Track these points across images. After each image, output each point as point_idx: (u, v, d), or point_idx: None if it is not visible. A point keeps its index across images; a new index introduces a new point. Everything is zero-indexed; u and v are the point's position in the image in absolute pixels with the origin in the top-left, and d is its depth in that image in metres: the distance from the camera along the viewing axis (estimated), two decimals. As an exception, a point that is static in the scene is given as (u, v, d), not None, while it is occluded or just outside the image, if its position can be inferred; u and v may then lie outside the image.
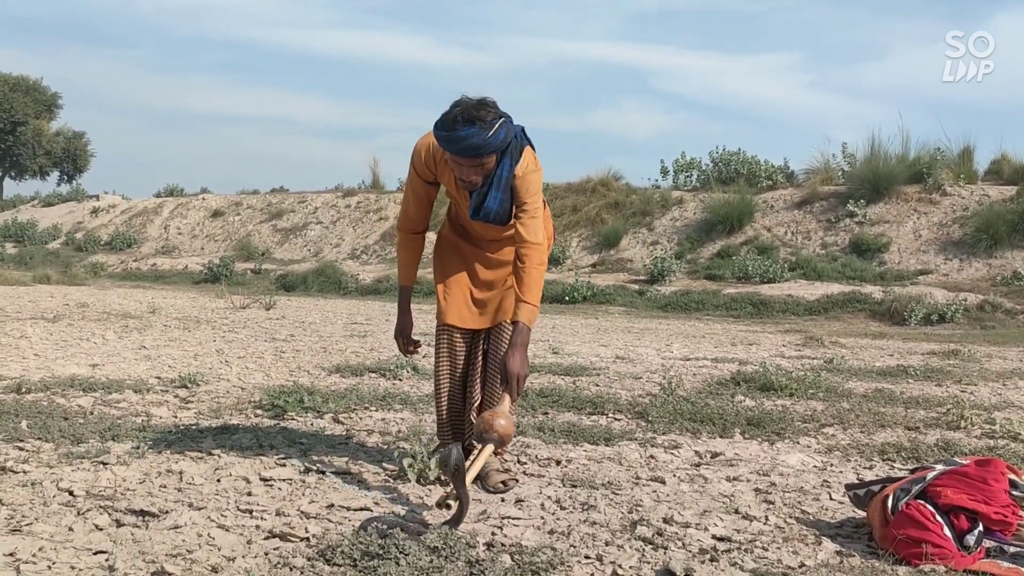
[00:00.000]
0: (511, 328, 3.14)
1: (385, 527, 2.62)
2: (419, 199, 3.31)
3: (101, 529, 2.61)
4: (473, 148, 2.93)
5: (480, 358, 3.35)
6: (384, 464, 3.47)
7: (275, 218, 22.93)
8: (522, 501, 3.04)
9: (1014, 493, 2.65)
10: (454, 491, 2.71)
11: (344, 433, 4.10)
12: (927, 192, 15.87)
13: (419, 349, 3.44)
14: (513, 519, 2.82)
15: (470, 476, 2.87)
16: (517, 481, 3.24)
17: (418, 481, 3.18)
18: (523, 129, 3.15)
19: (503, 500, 3.05)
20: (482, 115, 2.92)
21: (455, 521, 2.64)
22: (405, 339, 3.40)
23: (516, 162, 3.09)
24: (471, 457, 2.96)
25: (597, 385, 5.74)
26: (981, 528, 2.53)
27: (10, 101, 33.96)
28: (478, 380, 3.35)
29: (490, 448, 2.97)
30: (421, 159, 3.20)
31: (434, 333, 3.41)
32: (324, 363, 6.54)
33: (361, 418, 4.47)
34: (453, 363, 3.33)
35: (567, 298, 14.51)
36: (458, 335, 3.32)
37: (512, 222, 3.17)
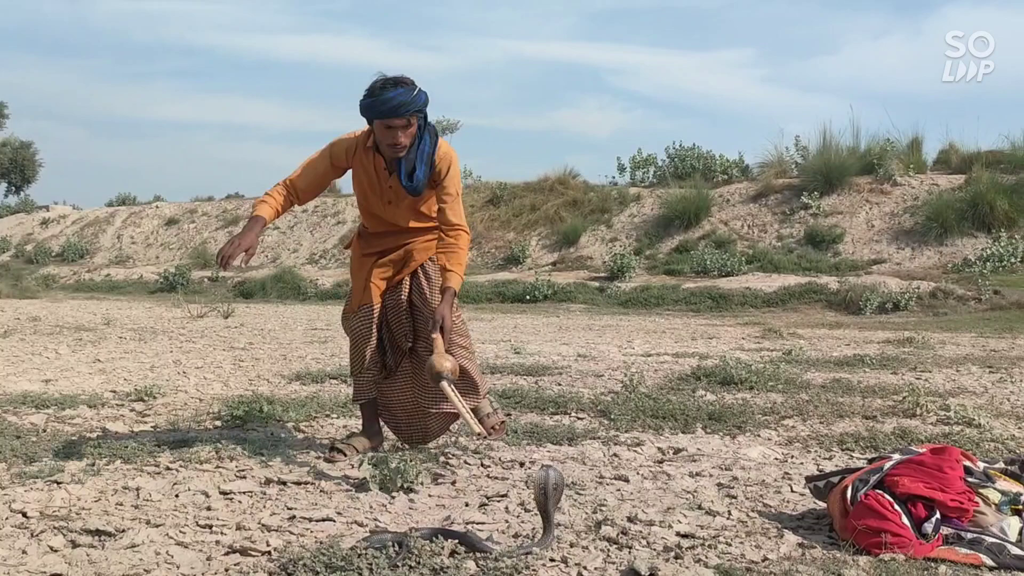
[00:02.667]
0: (433, 275, 3.71)
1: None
2: (316, 175, 3.66)
3: (56, 551, 2.55)
4: (402, 105, 3.37)
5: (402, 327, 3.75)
6: (347, 473, 3.43)
7: (231, 225, 22.63)
8: (486, 505, 3.02)
9: (969, 480, 2.70)
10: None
11: (305, 442, 4.05)
12: (878, 183, 16.15)
13: (246, 263, 3.57)
14: (477, 523, 2.81)
15: (467, 413, 3.42)
16: (505, 423, 3.85)
17: (381, 490, 3.15)
18: (433, 125, 3.61)
19: (467, 505, 3.04)
20: (404, 80, 3.42)
21: (542, 543, 2.57)
22: (246, 253, 3.43)
23: (436, 141, 3.56)
24: (451, 400, 3.45)
25: (559, 384, 5.75)
26: (938, 515, 2.57)
27: (-47, 112, 33.11)
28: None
29: (451, 386, 3.42)
30: (342, 146, 3.64)
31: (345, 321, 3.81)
32: (284, 371, 6.47)
33: (323, 426, 4.43)
34: (370, 333, 3.72)
35: (528, 297, 14.54)
36: (376, 309, 3.73)
37: (431, 204, 3.65)
